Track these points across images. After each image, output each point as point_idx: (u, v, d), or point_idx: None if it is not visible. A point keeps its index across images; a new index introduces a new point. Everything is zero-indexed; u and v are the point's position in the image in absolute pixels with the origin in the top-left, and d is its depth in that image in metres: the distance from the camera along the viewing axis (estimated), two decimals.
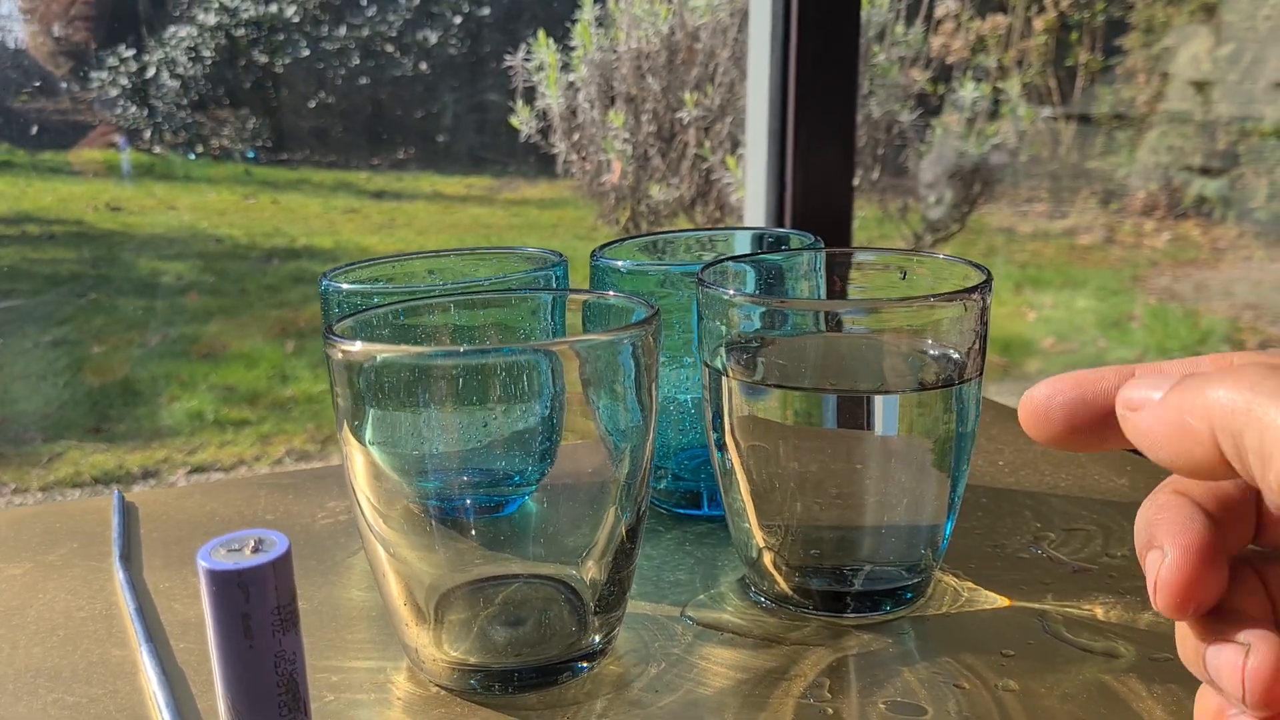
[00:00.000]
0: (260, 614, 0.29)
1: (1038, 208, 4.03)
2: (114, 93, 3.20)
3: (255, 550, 0.29)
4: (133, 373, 2.45)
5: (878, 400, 0.40)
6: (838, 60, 1.36)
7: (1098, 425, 0.26)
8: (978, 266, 0.42)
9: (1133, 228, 3.89)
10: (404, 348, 0.36)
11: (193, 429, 2.29)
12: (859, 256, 0.48)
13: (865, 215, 2.63)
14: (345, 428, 0.37)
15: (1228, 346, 3.18)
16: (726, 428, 0.43)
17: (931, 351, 0.41)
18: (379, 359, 0.36)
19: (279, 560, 0.29)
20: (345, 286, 0.46)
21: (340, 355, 0.36)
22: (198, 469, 2.15)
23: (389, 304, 0.42)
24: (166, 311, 2.72)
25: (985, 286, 0.40)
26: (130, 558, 0.49)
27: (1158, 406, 0.24)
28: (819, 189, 1.39)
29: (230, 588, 0.28)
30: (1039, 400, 0.27)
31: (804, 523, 0.42)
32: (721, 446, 0.43)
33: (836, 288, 0.49)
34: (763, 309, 0.42)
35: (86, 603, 0.45)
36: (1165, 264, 3.67)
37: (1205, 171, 3.87)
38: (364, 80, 3.69)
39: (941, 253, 0.44)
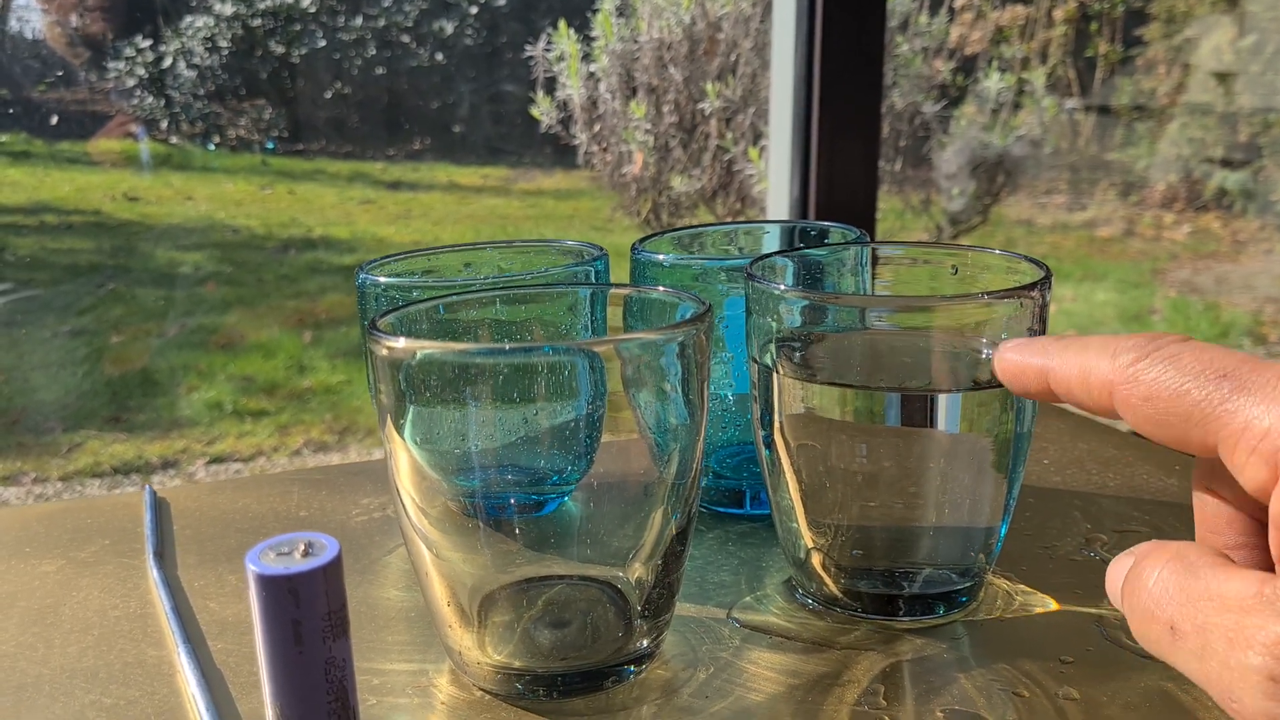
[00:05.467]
0: (311, 620, 0.28)
1: (1057, 199, 4.00)
2: (131, 83, 3.20)
3: (306, 554, 0.28)
4: (151, 363, 2.46)
5: (938, 399, 0.39)
6: (863, 50, 1.34)
7: None
8: (1036, 262, 0.41)
9: (1153, 220, 3.86)
10: (449, 345, 0.35)
11: (211, 419, 2.29)
12: (907, 250, 0.47)
13: (886, 207, 2.61)
14: (388, 425, 0.37)
15: (1249, 340, 3.15)
16: (775, 425, 0.42)
17: (988, 350, 0.40)
18: (423, 355, 0.35)
19: (330, 565, 0.28)
20: (383, 280, 0.45)
21: (385, 351, 0.35)
22: (216, 459, 2.15)
23: (429, 299, 0.41)
24: (184, 302, 2.72)
25: (1045, 283, 0.39)
26: (164, 555, 0.49)
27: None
28: (843, 181, 1.38)
29: (281, 593, 0.27)
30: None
31: (855, 523, 0.41)
32: (770, 444, 0.42)
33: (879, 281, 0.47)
34: (812, 304, 0.41)
35: (121, 601, 0.45)
36: (1186, 257, 3.64)
37: (1226, 164, 3.84)
38: (380, 71, 3.69)
39: (997, 248, 0.43)
